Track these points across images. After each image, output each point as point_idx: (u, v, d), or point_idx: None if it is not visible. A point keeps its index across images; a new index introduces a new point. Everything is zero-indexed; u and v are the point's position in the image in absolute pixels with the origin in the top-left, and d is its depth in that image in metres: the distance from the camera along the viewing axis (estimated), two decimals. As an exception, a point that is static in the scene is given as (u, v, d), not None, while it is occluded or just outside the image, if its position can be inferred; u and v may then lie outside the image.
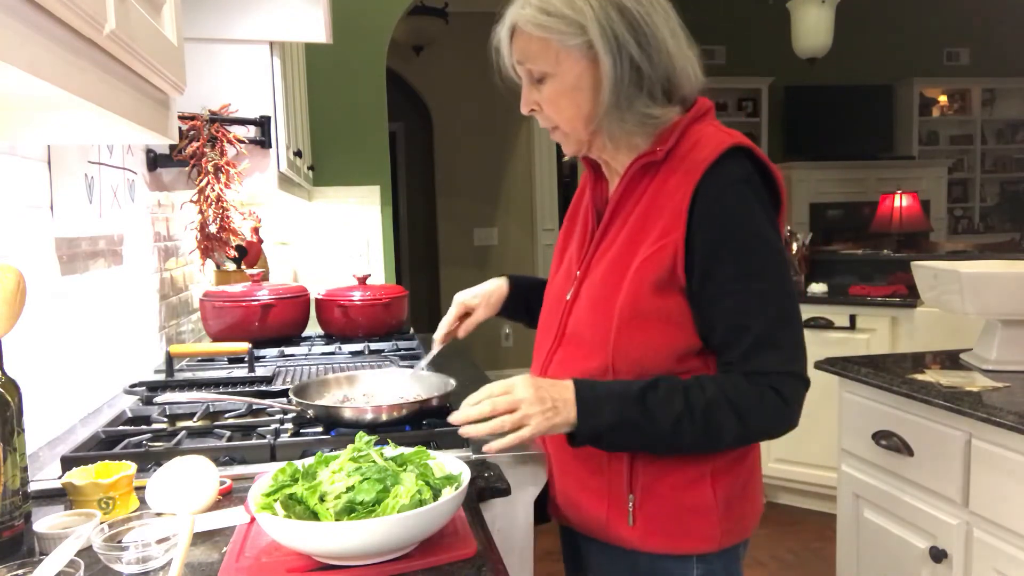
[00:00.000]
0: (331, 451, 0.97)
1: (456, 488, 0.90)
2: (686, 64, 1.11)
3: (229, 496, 1.09)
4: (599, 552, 1.20)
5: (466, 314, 1.42)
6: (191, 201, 2.05)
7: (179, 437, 1.26)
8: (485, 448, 1.10)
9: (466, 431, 1.07)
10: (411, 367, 1.77)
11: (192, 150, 1.98)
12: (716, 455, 1.11)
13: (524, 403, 1.04)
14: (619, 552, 1.16)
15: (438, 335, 1.42)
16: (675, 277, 1.06)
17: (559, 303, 1.22)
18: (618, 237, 1.14)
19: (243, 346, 1.80)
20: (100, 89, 0.80)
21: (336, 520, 0.83)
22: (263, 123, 2.12)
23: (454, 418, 1.08)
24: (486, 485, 1.13)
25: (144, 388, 1.65)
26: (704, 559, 1.12)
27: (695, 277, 1.06)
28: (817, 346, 3.17)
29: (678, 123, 1.11)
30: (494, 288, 1.42)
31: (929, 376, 1.81)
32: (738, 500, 1.14)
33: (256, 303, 2.13)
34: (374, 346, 2.15)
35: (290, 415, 1.35)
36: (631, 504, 1.12)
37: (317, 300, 2.32)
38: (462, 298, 1.42)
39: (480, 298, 1.41)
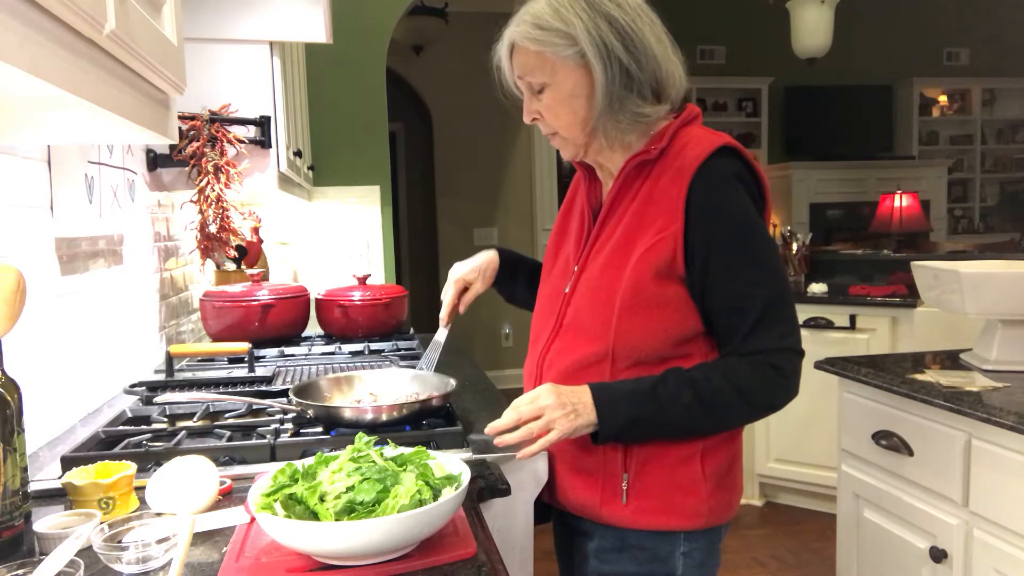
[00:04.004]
0: (331, 451, 0.97)
1: (456, 488, 0.90)
2: (672, 68, 1.18)
3: (229, 496, 1.09)
4: (590, 532, 1.24)
5: (464, 289, 1.44)
6: (191, 201, 2.05)
7: (179, 437, 1.26)
8: (519, 454, 1.15)
9: (500, 440, 1.13)
10: (412, 367, 1.78)
11: (192, 150, 1.98)
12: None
13: (547, 409, 1.11)
14: (610, 531, 1.21)
15: (444, 314, 1.44)
16: (675, 267, 1.13)
17: (556, 297, 1.28)
18: (615, 233, 1.20)
19: (243, 346, 1.80)
20: (100, 89, 0.80)
21: (336, 520, 0.83)
22: (263, 123, 2.11)
23: (488, 429, 1.14)
24: (486, 485, 1.13)
25: (144, 388, 1.65)
26: (690, 536, 1.19)
27: (696, 266, 1.13)
28: (817, 346, 3.19)
29: (669, 126, 1.19)
30: (487, 261, 1.45)
31: (929, 376, 1.81)
32: (724, 480, 1.21)
33: (256, 303, 2.13)
34: (374, 346, 2.15)
35: (290, 415, 1.35)
36: (625, 483, 1.17)
37: (317, 300, 2.32)
38: (460, 273, 1.44)
39: (477, 272, 1.44)
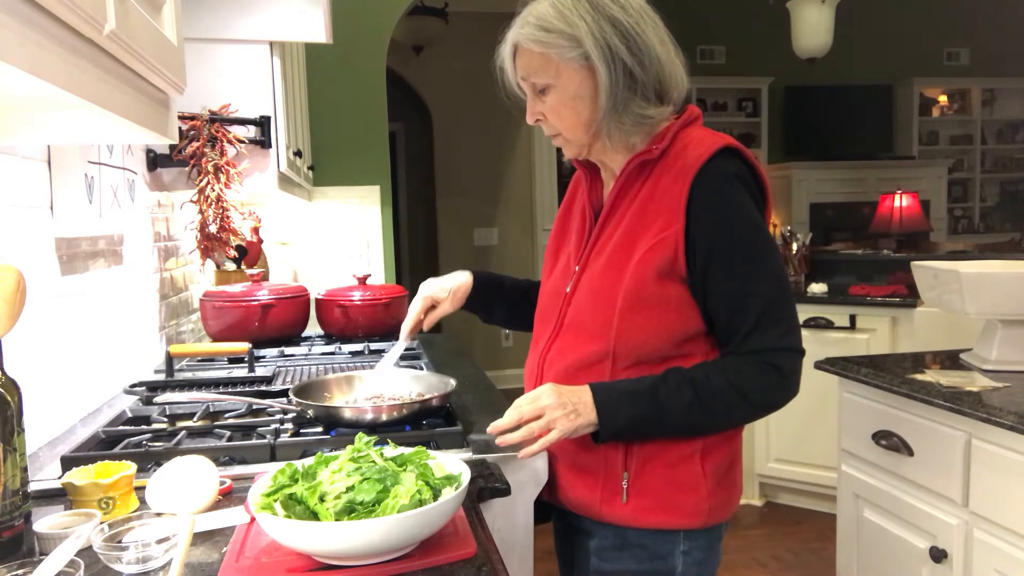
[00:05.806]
0: (331, 451, 0.97)
1: (456, 488, 0.90)
2: (674, 69, 1.20)
3: (229, 496, 1.09)
4: (590, 531, 1.24)
5: (431, 306, 1.43)
6: (191, 201, 2.05)
7: (179, 437, 1.26)
8: (520, 454, 1.15)
9: (501, 440, 1.13)
10: (412, 367, 1.78)
11: (192, 150, 1.98)
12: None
13: (548, 409, 1.12)
14: (611, 529, 1.21)
15: (405, 328, 1.42)
16: (676, 267, 1.14)
17: (557, 297, 1.28)
18: (616, 232, 1.20)
19: (243, 346, 1.80)
20: (100, 89, 0.80)
21: (336, 520, 0.83)
22: (263, 123, 2.11)
23: (490, 428, 1.15)
24: (486, 485, 1.13)
25: (144, 388, 1.65)
26: (690, 535, 1.19)
27: (697, 266, 1.14)
28: (817, 346, 3.19)
29: (670, 127, 1.19)
30: (461, 283, 1.43)
31: (929, 376, 1.81)
32: (724, 479, 1.21)
33: (256, 303, 2.13)
34: (374, 346, 2.15)
35: (290, 415, 1.35)
36: (625, 482, 1.18)
37: (317, 300, 2.32)
38: (429, 291, 1.42)
39: (448, 292, 1.42)
